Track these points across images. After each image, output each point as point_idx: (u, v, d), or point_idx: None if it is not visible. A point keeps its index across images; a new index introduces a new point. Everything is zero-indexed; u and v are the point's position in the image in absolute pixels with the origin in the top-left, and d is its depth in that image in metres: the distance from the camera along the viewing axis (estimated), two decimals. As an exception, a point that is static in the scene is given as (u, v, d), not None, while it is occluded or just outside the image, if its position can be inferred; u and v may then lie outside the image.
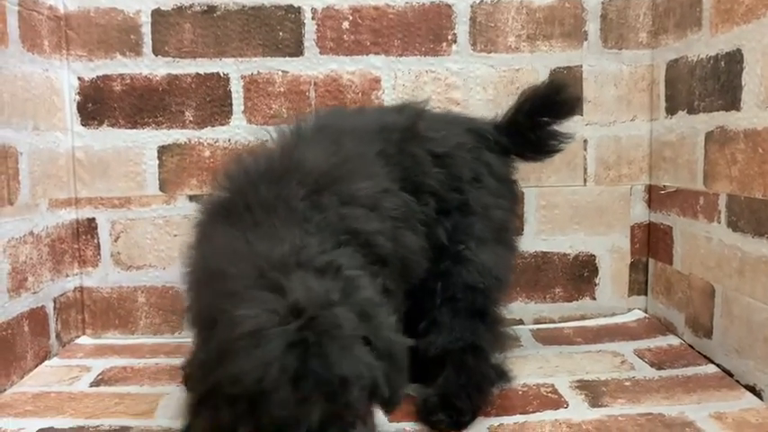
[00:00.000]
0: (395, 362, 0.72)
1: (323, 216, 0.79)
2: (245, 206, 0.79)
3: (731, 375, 1.04)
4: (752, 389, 0.98)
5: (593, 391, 0.99)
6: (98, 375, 1.09)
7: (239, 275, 0.71)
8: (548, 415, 0.92)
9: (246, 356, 0.66)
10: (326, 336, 0.66)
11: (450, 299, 0.96)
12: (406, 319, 0.99)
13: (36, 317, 1.14)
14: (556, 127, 1.06)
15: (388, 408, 0.76)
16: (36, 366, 1.13)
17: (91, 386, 1.05)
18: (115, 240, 1.29)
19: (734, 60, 1.02)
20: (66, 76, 1.25)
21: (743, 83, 1.00)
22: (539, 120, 1.05)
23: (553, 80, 1.06)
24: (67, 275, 1.25)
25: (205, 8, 1.26)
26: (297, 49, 1.27)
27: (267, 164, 0.86)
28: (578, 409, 0.94)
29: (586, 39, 1.30)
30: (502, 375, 1.01)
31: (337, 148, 0.89)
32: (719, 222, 1.08)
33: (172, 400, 0.99)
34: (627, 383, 1.02)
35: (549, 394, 0.99)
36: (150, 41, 1.26)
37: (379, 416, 0.79)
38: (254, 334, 0.66)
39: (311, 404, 0.64)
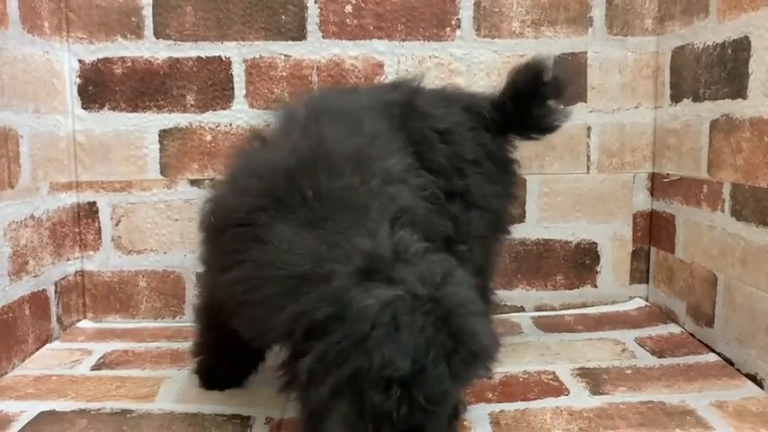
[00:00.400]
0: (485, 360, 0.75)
1: (379, 201, 0.78)
2: (299, 201, 0.76)
3: (732, 364, 1.04)
4: (753, 378, 0.98)
5: (595, 379, 0.99)
6: (99, 359, 1.10)
7: (339, 274, 0.69)
8: (549, 402, 0.92)
9: (393, 340, 0.66)
10: (462, 311, 0.69)
11: None
12: None
13: (37, 300, 1.13)
14: (546, 106, 1.04)
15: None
16: (37, 350, 1.13)
17: (92, 369, 1.05)
18: (116, 224, 1.29)
19: (741, 48, 1.01)
20: (66, 58, 1.24)
21: (750, 71, 0.99)
22: (524, 102, 1.03)
23: (534, 63, 1.02)
24: (68, 259, 1.25)
25: (207, -9, 1.24)
26: (299, 33, 1.26)
27: (294, 153, 0.82)
28: (579, 397, 0.94)
29: (591, 25, 1.29)
30: (494, 346, 1.03)
31: (356, 127, 0.87)
32: (723, 211, 1.07)
33: (173, 383, 0.99)
34: (628, 371, 1.02)
35: (551, 381, 0.99)
36: (151, 24, 1.25)
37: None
38: (391, 317, 0.67)
39: (460, 379, 0.68)
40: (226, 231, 0.79)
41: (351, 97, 1.00)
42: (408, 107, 0.95)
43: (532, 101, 1.03)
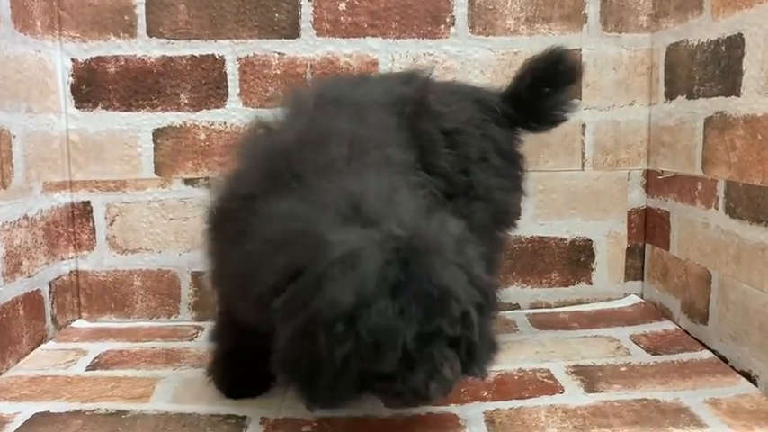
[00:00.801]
0: (488, 303, 0.72)
1: (371, 170, 0.78)
2: (293, 176, 0.77)
3: (726, 361, 1.04)
4: (747, 375, 0.98)
5: (589, 377, 1.00)
6: (94, 359, 1.09)
7: (323, 221, 0.70)
8: (543, 400, 0.92)
9: (344, 277, 0.65)
10: (427, 252, 0.67)
11: None
12: None
13: (31, 301, 1.13)
14: (559, 96, 1.05)
15: (474, 370, 0.75)
16: (32, 350, 1.13)
17: (87, 370, 1.05)
18: (110, 224, 1.28)
19: (735, 45, 1.01)
20: (59, 57, 1.24)
21: (743, 68, 0.99)
22: (541, 91, 1.04)
23: (553, 50, 1.03)
24: (63, 259, 1.25)
25: (200, -11, 1.24)
26: (293, 31, 1.25)
27: (295, 136, 0.84)
28: (574, 395, 0.94)
29: (586, 21, 1.29)
30: (493, 344, 1.02)
31: (361, 118, 0.88)
32: (717, 209, 1.07)
33: (168, 383, 0.99)
34: (622, 369, 1.03)
35: (545, 379, 0.99)
36: (144, 22, 1.24)
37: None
38: (351, 256, 0.66)
39: (410, 315, 0.65)
40: (229, 213, 0.80)
41: (362, 89, 1.00)
42: (420, 106, 0.95)
43: (549, 89, 1.04)
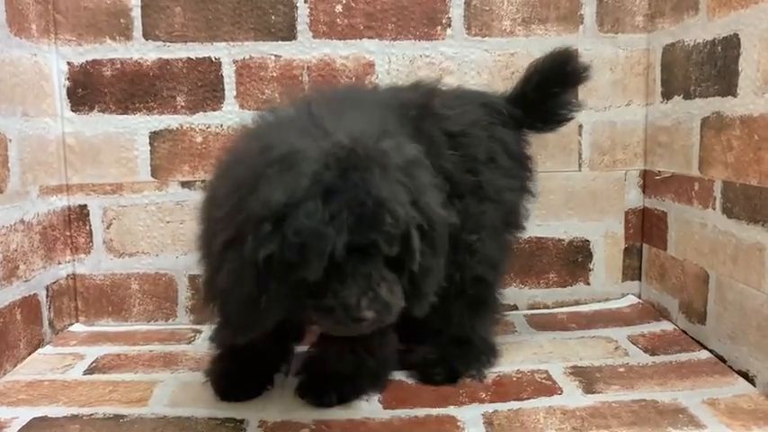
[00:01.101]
0: (432, 231, 0.70)
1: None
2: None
3: (724, 361, 1.04)
4: (745, 375, 0.99)
5: (587, 378, 1.00)
6: (92, 363, 1.09)
7: (282, 134, 0.70)
8: (542, 401, 0.92)
9: (279, 177, 0.64)
10: (370, 163, 0.66)
11: (463, 291, 0.98)
12: None
13: (28, 305, 1.13)
14: (565, 96, 1.06)
15: (415, 301, 0.73)
16: (29, 354, 1.12)
17: (84, 374, 1.05)
18: (107, 227, 1.28)
19: (731, 45, 1.01)
20: (54, 60, 1.23)
21: (740, 68, 0.99)
22: (548, 91, 1.05)
23: (560, 51, 1.04)
24: (60, 263, 1.24)
25: (196, -9, 1.24)
26: (289, 33, 1.25)
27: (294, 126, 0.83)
28: (572, 396, 0.94)
29: (582, 22, 1.29)
30: (492, 348, 1.05)
31: (363, 116, 0.87)
32: (714, 209, 1.07)
33: (166, 387, 0.98)
34: (621, 369, 1.03)
35: (544, 381, 0.99)
36: (140, 25, 1.24)
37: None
38: (289, 156, 0.65)
39: (340, 222, 0.63)
40: (221, 197, 0.78)
41: (369, 95, 1.02)
42: (424, 109, 0.96)
43: (557, 89, 1.05)
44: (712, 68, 1.07)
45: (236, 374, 0.94)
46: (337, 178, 0.64)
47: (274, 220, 0.64)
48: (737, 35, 1.00)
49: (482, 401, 0.93)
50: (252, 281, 0.66)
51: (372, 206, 0.64)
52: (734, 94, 1.01)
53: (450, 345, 1.00)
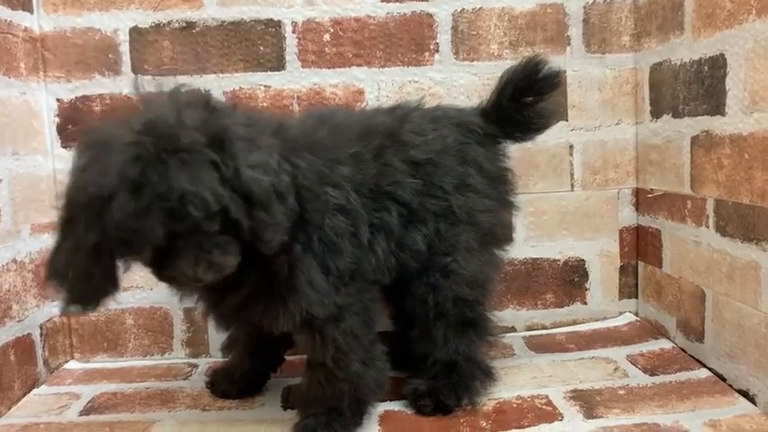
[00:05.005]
0: (255, 196, 0.73)
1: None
2: None
3: (724, 380, 1.04)
4: (745, 393, 0.98)
5: (588, 402, 0.99)
6: (88, 403, 1.08)
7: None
8: (543, 429, 0.92)
9: (92, 165, 0.70)
10: (168, 151, 0.69)
11: (442, 313, 0.97)
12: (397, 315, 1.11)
13: (22, 345, 1.12)
14: (541, 104, 1.05)
15: (263, 244, 0.76)
16: (24, 396, 1.11)
17: (80, 415, 1.03)
18: (101, 262, 1.27)
19: (717, 65, 1.02)
20: (44, 98, 1.23)
21: (727, 87, 1.00)
22: (523, 101, 1.04)
23: (530, 59, 1.03)
24: (53, 300, 1.23)
25: (184, 24, 1.24)
26: (278, 64, 1.26)
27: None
28: (573, 422, 0.93)
29: (569, 44, 1.30)
30: (488, 373, 1.03)
31: (317, 130, 0.91)
32: (708, 227, 1.08)
33: (163, 427, 0.97)
34: (621, 392, 1.02)
35: (544, 406, 0.99)
36: (129, 60, 1.24)
37: None
38: (101, 144, 0.71)
39: (152, 217, 0.67)
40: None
41: (343, 115, 1.01)
42: (390, 138, 0.96)
43: (531, 98, 1.04)
44: (700, 87, 1.08)
45: (229, 374, 1.08)
46: (142, 173, 0.68)
47: (95, 208, 0.69)
48: (723, 55, 1.00)
49: (483, 430, 0.92)
50: (86, 259, 0.71)
51: (176, 200, 0.68)
52: (722, 113, 1.01)
53: (439, 373, 0.99)
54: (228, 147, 0.72)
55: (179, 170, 0.68)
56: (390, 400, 1.00)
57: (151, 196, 0.67)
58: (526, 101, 1.04)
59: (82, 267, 0.72)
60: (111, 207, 0.67)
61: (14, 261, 1.11)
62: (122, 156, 0.68)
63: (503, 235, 1.07)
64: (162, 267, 0.74)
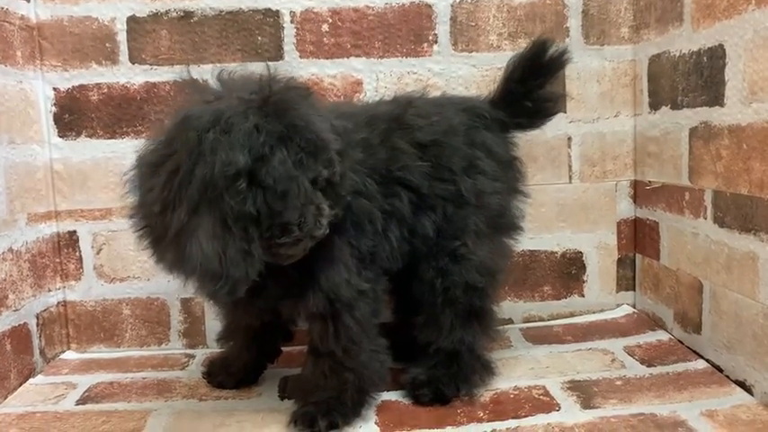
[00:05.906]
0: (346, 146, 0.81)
1: None
2: None
3: (721, 371, 1.04)
4: (742, 384, 0.98)
5: (585, 392, 0.99)
6: (84, 392, 1.07)
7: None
8: (540, 419, 0.92)
9: (225, 140, 0.71)
10: (295, 107, 0.75)
11: (451, 300, 0.97)
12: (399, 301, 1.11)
13: (18, 335, 1.11)
14: (549, 87, 1.06)
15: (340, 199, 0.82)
16: (20, 385, 1.11)
17: (77, 404, 1.03)
18: (97, 253, 1.27)
19: (716, 56, 1.02)
20: (40, 87, 1.23)
21: (726, 78, 1.00)
22: (533, 82, 1.04)
23: (535, 41, 1.04)
24: (50, 290, 1.23)
25: (182, 14, 1.23)
26: (276, 54, 1.25)
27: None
28: (570, 412, 0.93)
29: (568, 35, 1.29)
30: (487, 367, 1.03)
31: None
32: (705, 218, 1.08)
33: (160, 416, 0.97)
34: (618, 383, 1.02)
35: (541, 397, 0.99)
36: (126, 49, 1.23)
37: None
38: (218, 123, 0.72)
39: (303, 165, 0.73)
40: (166, 167, 0.84)
41: (350, 109, 1.03)
42: (395, 121, 0.96)
43: (540, 79, 1.04)
44: (699, 79, 1.08)
45: (225, 363, 1.08)
46: (279, 126, 0.72)
47: (246, 176, 0.71)
48: (722, 45, 1.00)
49: (480, 421, 0.92)
50: (241, 233, 0.72)
51: (320, 143, 0.74)
52: (721, 104, 1.01)
53: (440, 362, 0.99)
54: (316, 104, 0.82)
55: (310, 118, 0.75)
56: (387, 390, 1.00)
57: (297, 144, 0.73)
58: (535, 82, 1.04)
59: (238, 245, 0.72)
60: (272, 163, 0.71)
61: (10, 250, 1.10)
62: (253, 121, 0.72)
63: (512, 222, 1.06)
64: (287, 233, 0.75)
